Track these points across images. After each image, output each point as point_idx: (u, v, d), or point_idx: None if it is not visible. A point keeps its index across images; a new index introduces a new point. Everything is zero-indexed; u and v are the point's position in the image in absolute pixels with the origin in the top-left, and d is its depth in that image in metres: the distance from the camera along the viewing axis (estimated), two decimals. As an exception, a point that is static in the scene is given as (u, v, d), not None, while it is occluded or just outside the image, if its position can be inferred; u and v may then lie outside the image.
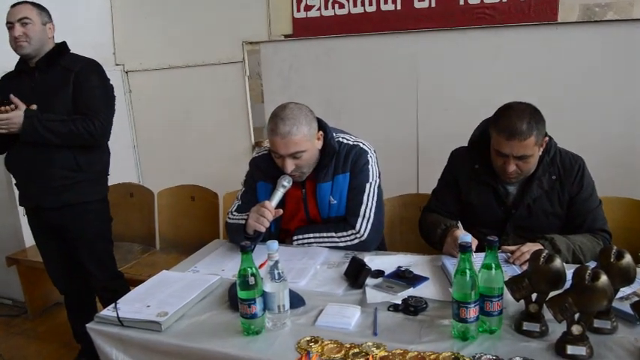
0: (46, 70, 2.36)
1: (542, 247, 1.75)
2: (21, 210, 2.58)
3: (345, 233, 2.02)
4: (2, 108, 2.23)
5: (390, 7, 3.14)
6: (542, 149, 1.93)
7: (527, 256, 1.68)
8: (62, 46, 2.45)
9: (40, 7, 2.37)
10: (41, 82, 2.36)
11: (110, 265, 2.64)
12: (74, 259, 2.55)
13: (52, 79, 2.35)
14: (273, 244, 1.43)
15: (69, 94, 2.33)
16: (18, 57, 2.40)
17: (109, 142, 2.54)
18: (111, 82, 2.48)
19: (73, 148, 2.34)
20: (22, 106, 2.24)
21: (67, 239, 2.50)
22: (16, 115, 2.22)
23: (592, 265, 1.30)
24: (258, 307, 1.41)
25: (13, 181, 2.55)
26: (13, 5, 2.34)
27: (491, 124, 1.92)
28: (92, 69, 2.41)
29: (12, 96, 2.25)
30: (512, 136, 1.81)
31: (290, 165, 1.94)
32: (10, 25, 2.30)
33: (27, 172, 2.41)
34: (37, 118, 2.24)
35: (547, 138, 1.94)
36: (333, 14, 3.28)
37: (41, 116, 2.25)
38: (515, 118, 1.82)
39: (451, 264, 1.72)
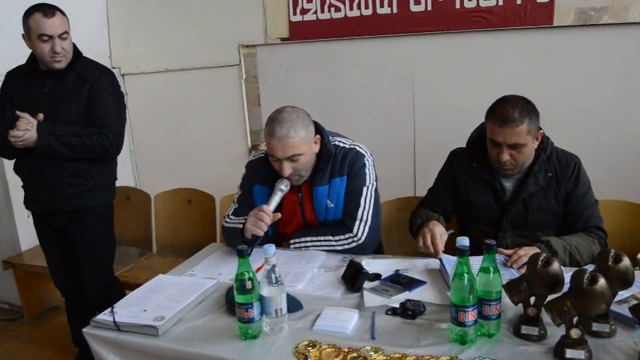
0: (60, 76, 2.31)
1: (539, 251, 1.75)
2: (17, 214, 2.56)
3: (342, 237, 2.02)
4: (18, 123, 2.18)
5: (386, 10, 3.14)
6: (537, 142, 1.97)
7: (525, 260, 1.69)
8: (76, 51, 2.39)
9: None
10: (53, 88, 2.31)
11: (107, 271, 2.62)
12: (76, 261, 2.54)
13: (65, 86, 2.31)
14: (270, 247, 1.42)
15: (82, 103, 2.31)
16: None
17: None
18: (121, 90, 2.46)
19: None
20: (34, 121, 2.20)
21: (72, 242, 2.49)
22: (30, 136, 2.19)
23: (590, 268, 1.30)
24: (255, 312, 1.41)
25: (10, 185, 2.52)
26: (46, 14, 2.21)
27: (487, 115, 1.98)
28: (108, 79, 2.39)
29: (20, 113, 2.19)
30: (505, 122, 1.87)
31: (287, 168, 1.93)
32: (47, 38, 2.21)
33: (38, 179, 2.39)
34: (53, 135, 2.22)
35: (542, 132, 1.98)
36: (329, 18, 3.28)
37: (57, 132, 2.22)
38: (508, 106, 1.89)
39: (450, 267, 1.71)
